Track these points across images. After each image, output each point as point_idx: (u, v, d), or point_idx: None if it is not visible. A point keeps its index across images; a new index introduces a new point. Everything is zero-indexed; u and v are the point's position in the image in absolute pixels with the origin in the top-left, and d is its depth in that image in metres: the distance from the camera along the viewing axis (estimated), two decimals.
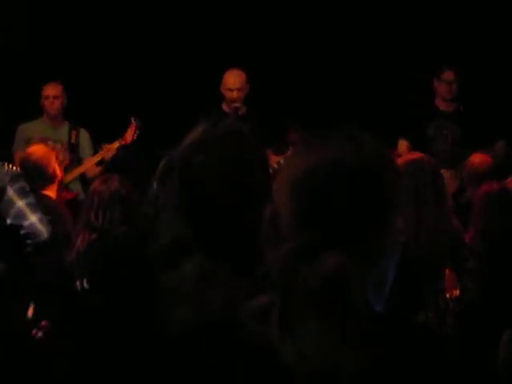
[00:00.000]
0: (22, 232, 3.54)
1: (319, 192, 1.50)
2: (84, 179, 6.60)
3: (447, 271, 4.02)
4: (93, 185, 4.30)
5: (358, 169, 1.51)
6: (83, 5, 7.50)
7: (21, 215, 3.58)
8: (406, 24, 7.31)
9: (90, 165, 6.51)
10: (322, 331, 1.43)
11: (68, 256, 4.16)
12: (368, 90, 7.21)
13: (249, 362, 1.51)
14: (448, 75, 6.56)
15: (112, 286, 3.48)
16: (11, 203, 3.59)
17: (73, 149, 6.66)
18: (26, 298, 3.70)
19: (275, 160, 6.13)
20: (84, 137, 6.72)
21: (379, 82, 7.23)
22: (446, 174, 5.48)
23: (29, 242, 3.60)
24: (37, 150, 5.53)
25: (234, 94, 6.48)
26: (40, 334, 3.77)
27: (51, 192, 5.26)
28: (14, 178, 3.64)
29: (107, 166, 6.27)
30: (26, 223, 3.59)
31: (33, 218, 3.61)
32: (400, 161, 4.11)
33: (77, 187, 6.60)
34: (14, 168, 3.97)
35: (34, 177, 5.10)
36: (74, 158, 6.66)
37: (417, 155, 4.24)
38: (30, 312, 4.28)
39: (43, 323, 3.85)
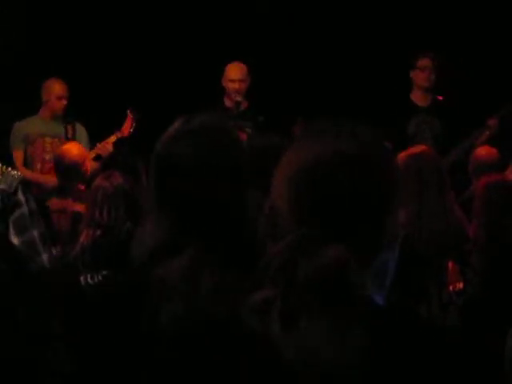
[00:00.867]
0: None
1: (319, 186, 1.50)
2: None
3: (450, 264, 4.02)
4: (96, 181, 4.29)
5: (358, 162, 1.51)
6: (82, 2, 7.51)
7: (33, 247, 3.56)
8: (384, 13, 7.29)
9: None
10: (323, 324, 1.43)
11: (72, 251, 4.17)
12: (361, 86, 7.19)
13: (248, 359, 1.50)
14: (424, 62, 6.35)
15: (115, 282, 3.48)
16: (25, 228, 3.56)
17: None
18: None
19: None
20: (80, 131, 6.67)
21: (361, 79, 7.21)
22: None
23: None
24: (71, 148, 5.58)
25: (236, 85, 6.46)
26: None
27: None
28: (27, 199, 3.59)
29: (105, 162, 6.24)
30: (37, 258, 3.56)
31: (44, 257, 3.58)
32: (403, 154, 4.11)
33: None
34: (19, 173, 3.88)
35: (69, 175, 5.15)
36: None
37: (419, 149, 4.23)
38: None
39: None
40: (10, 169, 3.64)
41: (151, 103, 7.06)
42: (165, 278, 1.75)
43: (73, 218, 4.98)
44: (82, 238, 4.14)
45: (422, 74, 6.35)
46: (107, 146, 6.34)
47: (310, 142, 1.56)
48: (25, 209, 3.54)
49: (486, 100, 6.46)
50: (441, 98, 6.44)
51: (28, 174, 6.30)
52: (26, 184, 3.64)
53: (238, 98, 6.45)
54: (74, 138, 6.60)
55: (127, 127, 6.39)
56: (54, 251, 3.65)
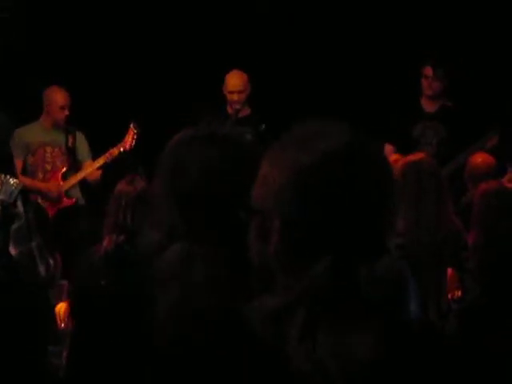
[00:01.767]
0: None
1: (310, 190, 1.47)
2: (82, 184, 6.57)
3: (449, 271, 4.01)
4: (118, 186, 4.27)
5: (346, 166, 1.48)
6: (83, 6, 7.50)
7: (31, 259, 3.54)
8: (396, 21, 7.30)
9: (91, 169, 6.48)
10: (338, 336, 1.42)
11: (94, 256, 4.15)
12: (361, 92, 7.19)
13: (247, 354, 1.49)
14: (427, 71, 6.48)
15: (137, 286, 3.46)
16: (23, 240, 3.53)
17: (70, 152, 6.63)
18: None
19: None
20: (81, 140, 6.68)
21: (369, 84, 7.22)
22: None
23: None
24: None
25: (235, 97, 6.49)
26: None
27: None
28: (26, 210, 3.55)
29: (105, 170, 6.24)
30: (34, 270, 3.55)
31: (41, 268, 3.56)
32: (401, 162, 4.10)
33: (76, 193, 6.58)
34: (19, 182, 3.84)
35: None
36: (71, 162, 6.63)
37: (417, 156, 4.23)
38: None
39: None
40: (8, 177, 3.62)
41: (152, 108, 7.07)
42: (161, 267, 1.79)
43: None
44: (105, 243, 4.12)
45: (425, 82, 6.47)
46: (112, 155, 6.34)
47: (292, 147, 1.53)
48: (23, 220, 3.52)
49: (491, 106, 6.51)
50: (450, 104, 6.50)
51: (28, 181, 6.30)
52: (25, 192, 3.61)
53: (237, 106, 6.47)
54: (74, 147, 6.60)
55: (129, 140, 6.39)
56: (51, 261, 3.63)
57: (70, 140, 6.62)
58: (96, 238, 4.31)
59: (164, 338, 1.74)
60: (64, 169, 6.58)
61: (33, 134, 6.63)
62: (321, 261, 1.44)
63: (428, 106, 6.58)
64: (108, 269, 4.06)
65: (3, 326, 3.25)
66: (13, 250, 3.46)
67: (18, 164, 6.55)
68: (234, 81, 6.53)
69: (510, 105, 6.24)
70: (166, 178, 1.91)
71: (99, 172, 6.42)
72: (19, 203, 3.49)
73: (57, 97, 6.57)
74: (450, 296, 3.90)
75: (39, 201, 6.29)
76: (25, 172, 6.58)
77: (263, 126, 6.25)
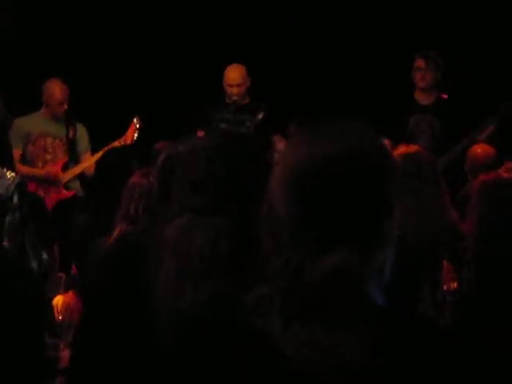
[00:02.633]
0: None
1: (310, 190, 1.49)
2: (82, 176, 6.59)
3: (445, 263, 4.01)
4: (132, 178, 4.28)
5: (349, 164, 1.49)
6: (85, 3, 7.51)
7: (23, 254, 3.55)
8: (388, 14, 7.30)
9: (87, 164, 6.47)
10: (325, 326, 1.43)
11: (103, 247, 4.17)
12: (356, 86, 7.19)
13: (247, 352, 1.49)
14: (419, 63, 6.47)
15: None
16: (16, 234, 3.55)
17: (70, 144, 6.64)
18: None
19: (283, 144, 6.14)
20: (81, 132, 6.70)
21: (364, 77, 7.22)
22: None
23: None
24: None
25: (234, 90, 6.53)
26: None
27: None
28: (22, 204, 3.56)
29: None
30: (26, 266, 3.55)
31: (33, 264, 3.57)
32: (396, 154, 4.09)
33: (75, 185, 6.60)
34: (16, 175, 3.85)
35: None
36: (71, 154, 6.64)
37: (412, 148, 4.22)
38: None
39: None
40: (5, 170, 3.62)
41: (152, 103, 7.08)
42: (161, 240, 1.82)
43: None
44: (115, 233, 4.13)
45: (417, 75, 6.44)
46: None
47: (303, 144, 1.54)
48: (17, 213, 3.52)
49: (487, 98, 6.48)
50: (445, 96, 6.48)
51: (26, 169, 6.32)
52: (22, 185, 3.61)
53: (235, 97, 6.46)
54: (74, 139, 6.62)
55: (130, 135, 6.39)
56: (45, 256, 3.63)
57: (71, 132, 6.63)
58: (94, 230, 4.32)
59: (163, 316, 1.75)
60: (65, 159, 6.59)
61: (33, 123, 6.65)
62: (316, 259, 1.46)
63: (423, 99, 6.55)
64: (116, 259, 4.08)
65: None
66: (5, 243, 3.47)
67: (17, 153, 6.57)
68: (234, 74, 6.55)
69: (508, 96, 6.22)
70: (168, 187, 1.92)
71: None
72: (15, 196, 3.49)
73: (55, 91, 6.58)
74: (445, 288, 3.89)
75: (39, 193, 6.31)
76: (24, 161, 6.59)
77: (261, 115, 6.28)
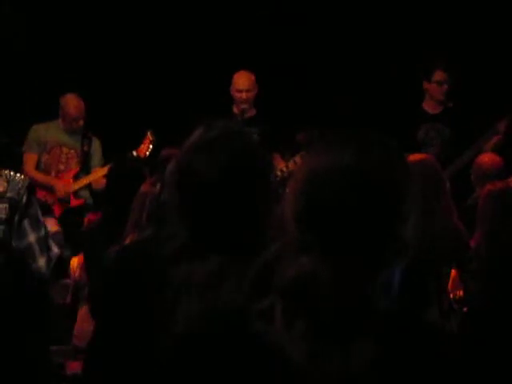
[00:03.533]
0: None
1: (314, 197, 1.50)
2: (91, 187, 6.61)
3: (452, 272, 4.01)
4: (143, 187, 4.29)
5: (355, 172, 1.49)
6: (94, 9, 7.53)
7: (30, 253, 3.55)
8: (397, 24, 7.31)
9: (98, 175, 6.48)
10: (329, 331, 1.45)
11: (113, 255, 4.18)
12: (364, 95, 7.20)
13: (256, 363, 1.51)
14: (439, 75, 6.49)
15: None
16: (23, 234, 3.55)
17: (84, 156, 6.68)
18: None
19: (283, 164, 6.15)
20: (96, 146, 6.73)
21: (372, 87, 7.23)
22: None
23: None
24: None
25: (243, 95, 6.53)
26: None
27: None
28: (29, 204, 3.57)
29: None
30: (33, 265, 3.55)
31: (41, 262, 3.57)
32: None
33: (85, 194, 6.63)
34: (25, 178, 3.87)
35: None
36: (84, 165, 6.68)
37: (418, 156, 4.23)
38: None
39: None
40: (14, 174, 3.64)
41: (161, 113, 7.09)
42: (187, 277, 1.77)
43: None
44: (126, 241, 4.14)
45: (438, 88, 6.45)
46: None
47: (315, 152, 1.56)
48: (25, 214, 3.54)
49: (496, 106, 6.49)
50: (452, 105, 6.49)
51: (40, 177, 6.36)
52: (30, 188, 3.64)
53: (245, 106, 6.48)
54: (89, 152, 6.65)
55: (144, 148, 6.40)
56: (52, 255, 3.64)
57: (86, 145, 6.67)
58: (106, 239, 4.34)
59: (179, 345, 1.74)
60: (77, 170, 6.63)
61: (50, 132, 6.69)
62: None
63: (431, 108, 6.57)
64: (125, 266, 4.08)
65: (5, 323, 3.27)
66: (14, 244, 3.49)
67: (32, 158, 6.61)
68: (243, 80, 6.57)
69: None
70: (179, 188, 1.89)
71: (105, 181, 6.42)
72: (24, 198, 3.51)
73: (69, 108, 6.60)
74: (451, 296, 3.89)
75: (48, 200, 6.35)
76: (37, 168, 6.63)
77: (244, 114, 6.31)
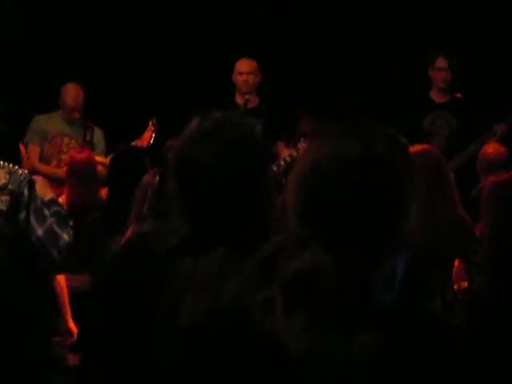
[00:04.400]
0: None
1: (315, 187, 1.49)
2: None
3: (456, 263, 4.00)
4: (145, 177, 4.29)
5: (357, 165, 1.48)
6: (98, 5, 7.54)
7: (42, 247, 3.55)
8: (401, 11, 7.29)
9: (104, 162, 6.48)
10: (329, 323, 1.45)
11: (116, 246, 4.17)
12: (370, 85, 7.19)
13: (257, 355, 1.50)
14: (440, 63, 6.46)
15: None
16: (32, 231, 3.54)
17: (87, 146, 6.67)
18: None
19: (287, 152, 6.14)
20: (99, 136, 6.74)
21: (377, 76, 7.22)
22: None
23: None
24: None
25: (244, 77, 6.54)
26: None
27: None
28: (31, 199, 3.57)
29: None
30: (47, 257, 3.56)
31: (54, 253, 3.57)
32: None
33: None
34: (26, 172, 3.86)
35: None
36: None
37: (421, 147, 4.21)
38: None
39: None
40: (16, 167, 3.64)
41: (165, 103, 7.09)
42: (190, 273, 1.78)
43: None
44: (128, 233, 4.14)
45: (439, 75, 6.42)
46: None
47: (318, 142, 1.55)
48: (29, 210, 3.55)
49: (502, 98, 6.48)
50: (459, 95, 6.48)
51: (45, 168, 6.36)
52: (32, 182, 3.63)
53: (247, 96, 6.48)
54: (91, 142, 6.65)
55: (147, 137, 6.39)
56: (62, 243, 3.64)
57: (88, 135, 6.67)
58: (108, 230, 4.33)
59: (183, 339, 1.75)
60: None
61: (52, 122, 6.71)
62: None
63: (438, 98, 6.55)
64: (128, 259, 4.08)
65: (7, 316, 3.27)
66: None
67: (35, 150, 6.62)
68: (245, 63, 6.60)
69: None
70: (179, 178, 1.90)
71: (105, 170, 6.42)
72: (26, 192, 3.51)
73: (67, 98, 6.63)
74: (456, 287, 3.89)
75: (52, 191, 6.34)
76: (41, 160, 6.64)
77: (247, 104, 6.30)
